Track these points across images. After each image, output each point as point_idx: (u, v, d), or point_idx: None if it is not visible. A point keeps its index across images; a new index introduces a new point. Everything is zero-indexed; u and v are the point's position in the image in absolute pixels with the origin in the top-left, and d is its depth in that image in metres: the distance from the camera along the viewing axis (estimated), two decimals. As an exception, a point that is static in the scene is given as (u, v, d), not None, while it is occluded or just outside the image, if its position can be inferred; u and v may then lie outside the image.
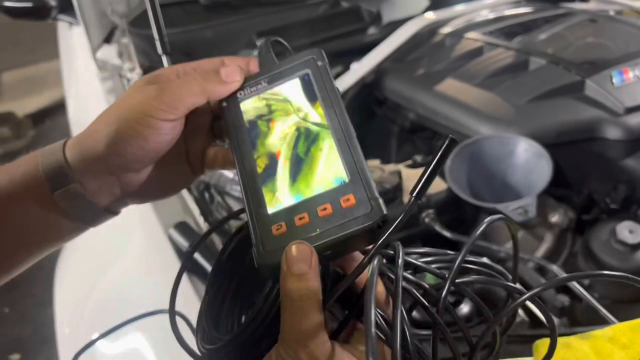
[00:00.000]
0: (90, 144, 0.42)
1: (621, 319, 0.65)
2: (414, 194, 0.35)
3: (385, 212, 0.35)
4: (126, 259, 1.05)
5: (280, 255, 0.34)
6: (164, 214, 0.99)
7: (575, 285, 0.79)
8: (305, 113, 0.42)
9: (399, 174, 1.01)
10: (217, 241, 0.90)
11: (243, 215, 0.42)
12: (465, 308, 0.76)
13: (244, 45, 1.42)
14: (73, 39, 1.82)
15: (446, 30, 1.42)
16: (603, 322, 0.73)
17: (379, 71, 1.34)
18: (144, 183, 0.45)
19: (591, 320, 0.82)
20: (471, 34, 1.34)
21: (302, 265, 0.33)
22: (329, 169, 0.38)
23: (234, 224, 0.93)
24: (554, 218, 0.96)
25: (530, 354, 0.60)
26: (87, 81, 1.59)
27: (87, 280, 1.13)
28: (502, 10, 1.53)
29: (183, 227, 0.93)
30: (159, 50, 0.68)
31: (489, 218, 0.40)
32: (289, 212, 0.37)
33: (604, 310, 0.75)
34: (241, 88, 0.44)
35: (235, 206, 0.99)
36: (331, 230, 0.35)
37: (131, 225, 1.08)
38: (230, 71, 0.44)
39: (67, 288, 1.18)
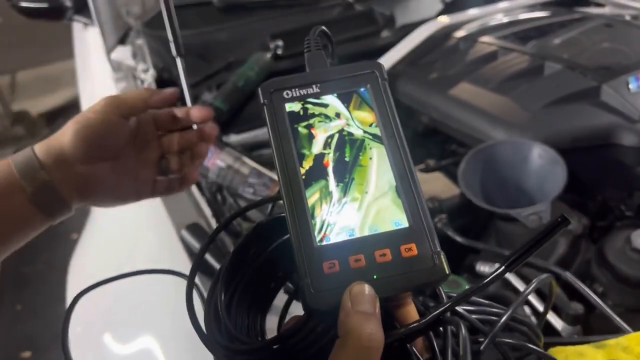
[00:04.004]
0: (55, 140, 0.52)
1: (636, 328, 0.64)
2: (506, 264, 0.33)
3: (448, 272, 0.33)
4: (138, 259, 1.05)
5: (334, 299, 0.31)
6: (177, 215, 0.99)
7: (589, 293, 0.78)
8: (361, 135, 0.37)
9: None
10: (229, 242, 0.90)
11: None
12: None
13: (258, 47, 1.42)
14: (88, 40, 1.84)
15: (460, 34, 1.41)
16: (617, 331, 0.72)
17: (392, 74, 1.34)
18: (99, 185, 0.54)
19: (605, 329, 0.81)
20: (485, 38, 1.33)
21: (368, 306, 0.30)
22: (388, 208, 0.35)
23: (244, 225, 0.93)
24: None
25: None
26: (102, 81, 1.60)
27: (99, 280, 1.14)
28: (516, 15, 1.53)
29: (195, 229, 0.93)
30: (174, 52, 0.68)
31: (537, 278, 0.40)
32: (342, 250, 0.33)
33: (618, 319, 0.74)
34: (288, 88, 0.39)
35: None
36: (390, 281, 0.32)
37: (143, 226, 1.09)
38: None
39: (79, 287, 1.18)
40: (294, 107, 0.38)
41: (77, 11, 1.70)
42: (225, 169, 0.98)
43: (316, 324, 0.34)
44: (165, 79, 1.41)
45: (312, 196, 0.35)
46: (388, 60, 1.34)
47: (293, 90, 0.39)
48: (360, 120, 0.38)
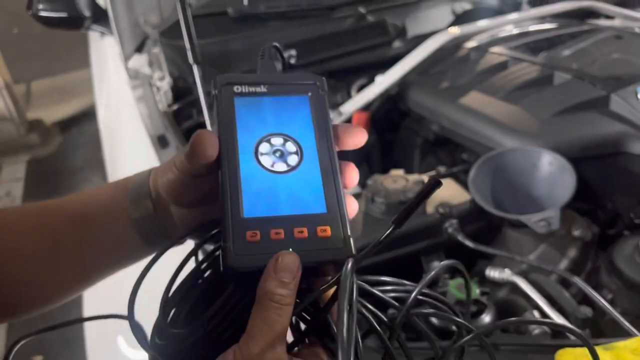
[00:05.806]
0: (161, 181, 0.45)
1: (644, 333, 0.65)
2: (393, 223, 0.36)
3: (354, 252, 0.38)
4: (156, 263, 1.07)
5: (251, 263, 0.36)
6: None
7: (598, 298, 0.79)
8: (296, 133, 0.42)
9: (422, 183, 1.02)
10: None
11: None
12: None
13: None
14: (105, 48, 1.88)
15: (471, 44, 1.43)
16: (626, 335, 0.73)
17: (403, 84, 1.36)
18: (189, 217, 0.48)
19: (614, 333, 0.82)
20: (496, 49, 1.35)
21: (288, 275, 0.35)
22: (310, 194, 0.40)
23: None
24: (577, 231, 0.96)
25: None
26: (118, 89, 1.64)
27: (114, 282, 1.16)
28: (527, 26, 1.54)
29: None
30: (190, 59, 0.70)
31: (443, 263, 0.42)
32: (265, 223, 0.38)
33: (627, 324, 0.75)
34: (239, 83, 0.44)
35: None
36: (303, 254, 0.37)
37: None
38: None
39: (94, 289, 1.20)
40: (248, 103, 0.43)
41: (95, 21, 1.73)
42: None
43: (233, 293, 0.38)
44: (180, 87, 1.44)
45: (246, 178, 0.40)
46: (399, 70, 1.35)
47: (243, 86, 0.44)
48: (309, 138, 0.43)
